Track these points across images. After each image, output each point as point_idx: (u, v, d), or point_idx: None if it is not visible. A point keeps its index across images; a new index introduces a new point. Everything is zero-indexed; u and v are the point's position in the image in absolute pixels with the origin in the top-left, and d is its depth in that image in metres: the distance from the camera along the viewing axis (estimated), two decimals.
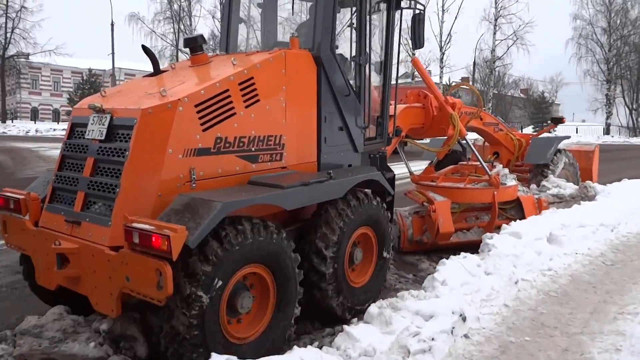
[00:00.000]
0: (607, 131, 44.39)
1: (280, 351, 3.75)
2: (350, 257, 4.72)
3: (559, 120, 10.96)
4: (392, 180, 5.73)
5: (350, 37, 5.20)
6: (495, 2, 45.25)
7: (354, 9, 5.27)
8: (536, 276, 5.49)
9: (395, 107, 6.14)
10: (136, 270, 3.31)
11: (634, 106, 47.75)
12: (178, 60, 34.60)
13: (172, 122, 3.69)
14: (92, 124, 3.94)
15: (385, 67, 5.81)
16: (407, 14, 5.92)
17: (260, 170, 4.35)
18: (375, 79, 5.71)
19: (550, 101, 50.47)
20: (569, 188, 8.59)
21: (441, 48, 44.48)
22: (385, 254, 5.08)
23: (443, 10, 44.50)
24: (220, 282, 3.43)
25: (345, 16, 5.39)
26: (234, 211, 3.54)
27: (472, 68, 46.92)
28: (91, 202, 3.84)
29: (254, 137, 4.27)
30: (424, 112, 7.47)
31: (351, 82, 5.17)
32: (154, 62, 4.68)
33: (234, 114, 4.08)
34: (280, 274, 3.90)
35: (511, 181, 7.38)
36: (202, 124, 3.87)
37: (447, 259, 5.23)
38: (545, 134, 10.06)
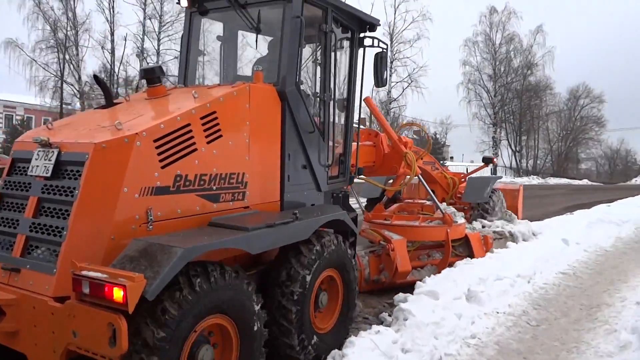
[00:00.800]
0: (494, 171, 46.65)
1: None
2: (316, 301, 4.46)
3: (490, 160, 11.20)
4: (354, 220, 5.55)
5: (315, 74, 5.06)
6: (391, 46, 46.71)
7: (318, 44, 5.15)
8: (460, 347, 4.79)
9: (357, 146, 6.01)
10: (85, 324, 2.93)
11: (517, 148, 50.64)
12: (63, 91, 33.34)
13: (129, 158, 3.38)
14: (36, 159, 3.57)
15: (347, 105, 5.69)
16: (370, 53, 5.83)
17: (221, 210, 4.06)
18: (337, 117, 5.56)
19: (442, 142, 52.80)
20: (510, 225, 8.69)
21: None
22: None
23: None
24: (181, 336, 3.09)
25: (307, 52, 5.25)
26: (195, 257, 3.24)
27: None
28: (33, 246, 3.43)
29: (215, 174, 3.99)
30: (375, 150, 7.40)
31: (315, 119, 5.01)
32: (107, 93, 4.37)
33: (195, 149, 3.81)
34: (242, 323, 3.58)
35: (460, 219, 7.36)
36: (160, 161, 3.57)
37: (356, 336, 4.55)
38: (478, 174, 10.19)
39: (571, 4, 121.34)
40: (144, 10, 35.97)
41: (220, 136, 4.01)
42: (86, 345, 2.95)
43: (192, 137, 3.78)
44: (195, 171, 3.82)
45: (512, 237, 8.34)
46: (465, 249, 7.32)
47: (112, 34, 35.53)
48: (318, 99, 5.08)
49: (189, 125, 3.76)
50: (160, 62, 36.33)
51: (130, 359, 2.92)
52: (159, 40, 36.84)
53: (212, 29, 5.61)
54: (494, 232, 8.14)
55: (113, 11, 34.98)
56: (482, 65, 47.14)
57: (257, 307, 3.68)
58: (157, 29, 36.39)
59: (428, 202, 7.85)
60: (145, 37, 36.33)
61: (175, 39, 35.79)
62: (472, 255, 7.21)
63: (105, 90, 4.37)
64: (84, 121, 4.01)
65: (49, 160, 3.49)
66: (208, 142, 3.91)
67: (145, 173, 3.48)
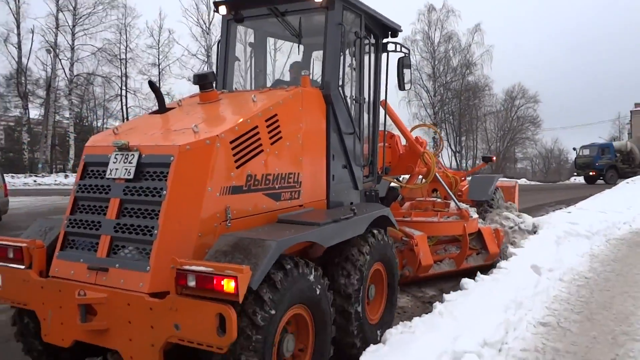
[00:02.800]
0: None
1: None
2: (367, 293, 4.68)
3: (489, 159, 11.69)
4: None
5: (351, 78, 5.30)
6: None
7: (351, 50, 5.38)
8: None
9: (384, 146, 6.27)
10: (190, 316, 3.08)
11: (457, 148, 51.06)
12: None
13: (211, 158, 3.55)
14: (114, 162, 3.68)
15: (374, 108, 5.94)
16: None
17: (282, 208, 4.25)
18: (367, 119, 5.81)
19: None
20: (525, 219, 9.09)
21: None
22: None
23: (274, 50, 45.85)
24: (275, 324, 3.27)
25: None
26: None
27: None
28: (119, 246, 3.55)
29: (277, 174, 4.18)
30: (391, 151, 7.68)
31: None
32: (160, 98, 4.50)
33: (262, 151, 3.99)
34: (318, 314, 3.78)
35: (474, 214, 7.71)
36: (235, 161, 3.75)
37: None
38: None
39: (508, 2, 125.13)
40: (57, 1, 34.88)
41: (281, 138, 4.20)
42: (191, 336, 3.09)
43: (259, 139, 3.96)
44: (262, 171, 4.01)
45: (522, 231, 8.71)
46: (477, 242, 7.65)
47: (18, 27, 34.25)
48: (354, 101, 5.31)
49: (256, 127, 3.94)
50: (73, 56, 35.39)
51: (246, 336, 3.08)
52: (73, 34, 36.06)
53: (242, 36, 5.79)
54: (509, 227, 8.50)
55: (19, 1, 33.91)
56: (422, 64, 47.13)
57: (330, 297, 3.88)
58: (71, 23, 35.52)
59: (438, 200, 8.16)
60: (57, 31, 35.36)
61: (91, 34, 35.65)
62: (485, 248, 7.54)
63: (159, 95, 4.49)
64: (148, 126, 4.14)
65: (130, 162, 3.61)
66: (272, 144, 4.10)
67: (223, 173, 3.66)
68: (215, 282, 2.97)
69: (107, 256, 3.54)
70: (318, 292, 3.73)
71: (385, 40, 6.02)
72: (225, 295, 2.96)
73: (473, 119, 52.21)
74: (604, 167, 36.32)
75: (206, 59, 42.64)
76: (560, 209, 14.35)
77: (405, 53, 6.01)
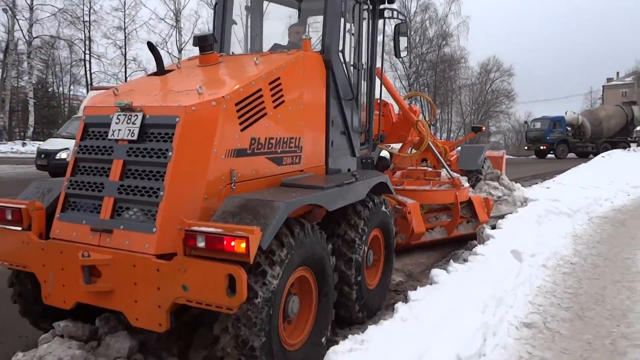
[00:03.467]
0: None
1: (322, 357, 3.64)
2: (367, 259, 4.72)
3: (479, 129, 11.79)
4: None
5: (349, 44, 5.24)
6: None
7: (350, 15, 5.31)
8: None
9: (380, 113, 6.25)
10: (198, 277, 3.07)
11: (432, 121, 51.12)
12: None
13: (217, 120, 3.51)
14: (117, 123, 3.61)
15: (370, 75, 5.90)
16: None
17: (284, 173, 4.24)
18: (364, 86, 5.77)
19: None
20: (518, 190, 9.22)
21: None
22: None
23: (247, 15, 44.81)
24: (282, 285, 3.29)
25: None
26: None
27: None
28: (123, 208, 3.50)
29: (280, 138, 4.16)
30: (384, 119, 7.67)
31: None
32: (159, 60, 4.40)
33: (265, 114, 3.95)
34: (322, 276, 3.80)
35: (465, 183, 7.79)
36: (240, 124, 3.71)
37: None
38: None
39: None
40: None
41: (283, 102, 4.16)
42: (199, 297, 3.09)
43: (262, 102, 3.92)
44: (265, 135, 3.97)
45: (513, 201, 8.82)
46: (468, 211, 7.74)
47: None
48: (352, 67, 5.26)
49: (260, 90, 3.89)
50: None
51: (255, 296, 3.08)
52: None
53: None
54: (498, 196, 8.61)
55: None
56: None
57: (333, 261, 3.90)
58: None
59: (429, 169, 8.21)
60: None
61: None
62: (475, 217, 7.64)
63: (158, 57, 4.39)
64: (149, 87, 4.06)
65: (133, 123, 3.54)
66: (275, 107, 4.06)
67: (229, 135, 3.62)
68: (225, 242, 2.96)
69: (111, 218, 3.49)
70: (322, 255, 3.75)
71: (382, 6, 5.95)
72: (235, 255, 2.95)
73: (448, 91, 51.89)
74: (555, 141, 35.39)
75: (175, 23, 41.59)
76: (537, 183, 14.10)
77: (401, 20, 5.96)
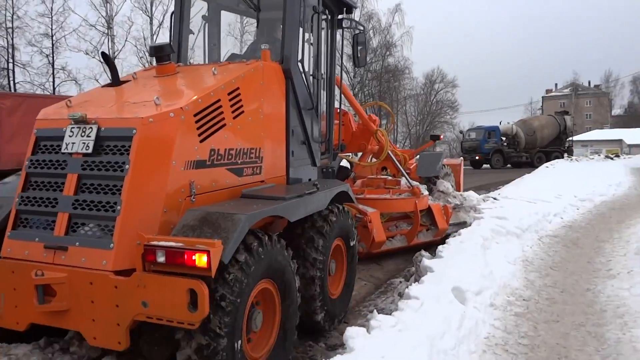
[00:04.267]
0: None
1: None
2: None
3: (437, 137, 12.04)
4: None
5: (308, 53, 5.25)
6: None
7: (308, 25, 5.33)
8: None
9: (340, 123, 6.28)
10: (158, 293, 3.00)
11: (391, 130, 51.81)
12: None
13: (176, 131, 3.44)
14: (70, 135, 3.50)
15: (329, 84, 5.92)
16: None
17: (244, 184, 4.19)
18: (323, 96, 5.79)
19: None
20: (469, 198, 9.37)
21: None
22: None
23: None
24: (245, 298, 3.24)
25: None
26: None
27: None
28: (78, 224, 3.39)
29: (239, 149, 4.11)
30: (344, 128, 7.71)
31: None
32: (114, 71, 4.31)
33: (224, 125, 3.91)
34: (284, 288, 3.77)
35: (424, 191, 7.90)
36: (199, 135, 3.66)
37: None
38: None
39: None
40: None
41: (243, 112, 4.12)
42: (160, 313, 3.01)
43: (222, 113, 3.87)
44: (225, 146, 3.93)
45: (465, 209, 8.96)
46: (427, 218, 7.84)
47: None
48: (312, 77, 5.27)
49: (219, 100, 3.85)
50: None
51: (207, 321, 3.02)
52: None
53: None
54: (454, 203, 8.74)
55: None
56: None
57: (295, 269, 3.88)
58: None
59: (389, 177, 8.29)
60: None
61: None
62: (435, 225, 7.74)
63: (113, 68, 4.30)
64: (103, 98, 3.96)
65: (88, 136, 3.45)
66: (234, 118, 4.02)
67: (188, 147, 3.56)
68: (186, 257, 2.91)
69: (65, 234, 3.38)
70: (285, 266, 3.72)
71: (340, 17, 6.00)
72: (196, 270, 2.90)
73: (393, 101, 51.22)
74: (490, 151, 34.73)
75: (107, 31, 39.30)
76: (482, 194, 12.72)
77: (360, 30, 6.01)
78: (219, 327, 3.05)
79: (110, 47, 39.53)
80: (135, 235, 3.11)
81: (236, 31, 5.83)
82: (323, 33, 5.68)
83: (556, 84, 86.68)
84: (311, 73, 5.27)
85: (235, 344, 3.16)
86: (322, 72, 5.47)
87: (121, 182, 3.30)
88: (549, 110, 53.83)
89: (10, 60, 37.51)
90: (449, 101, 58.81)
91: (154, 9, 40.05)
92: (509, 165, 35.51)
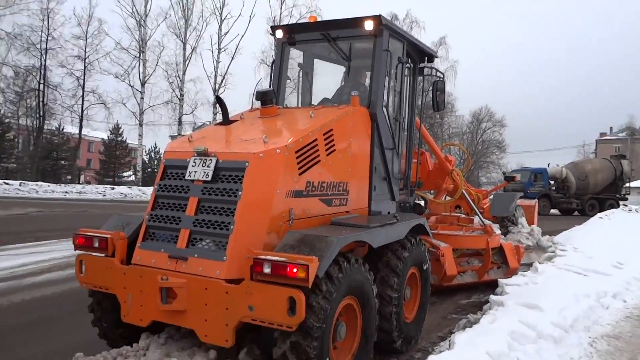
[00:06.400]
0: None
1: None
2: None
3: (512, 179, 12.15)
4: None
5: (393, 99, 5.82)
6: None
7: (393, 73, 5.91)
8: None
9: (418, 162, 6.78)
10: (263, 299, 3.57)
11: (467, 171, 49.37)
12: None
13: (281, 165, 4.08)
14: (193, 166, 4.22)
15: (410, 126, 6.46)
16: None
17: (333, 213, 4.76)
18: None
19: None
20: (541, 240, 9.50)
21: (215, 91, 42.08)
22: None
23: (219, 49, 42.36)
24: (333, 309, 3.76)
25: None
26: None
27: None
28: (197, 239, 4.07)
29: (330, 182, 4.70)
30: (421, 167, 8.18)
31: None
32: (225, 111, 5.04)
33: (319, 161, 4.51)
34: (365, 304, 4.25)
35: (497, 230, 8.18)
36: (299, 169, 4.27)
37: None
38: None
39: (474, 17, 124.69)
40: None
41: (334, 150, 4.72)
42: (263, 316, 3.58)
43: (317, 150, 4.49)
44: (319, 179, 4.53)
45: (541, 249, 9.13)
46: (499, 257, 8.09)
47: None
48: (394, 119, 5.83)
49: (316, 140, 4.47)
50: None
51: (312, 317, 3.56)
52: None
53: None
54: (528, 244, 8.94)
55: None
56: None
57: (375, 290, 4.36)
58: None
59: (462, 215, 8.64)
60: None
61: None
62: (506, 263, 7.98)
63: (224, 109, 5.04)
64: (218, 135, 4.69)
65: (208, 166, 4.15)
66: (327, 155, 4.62)
67: (289, 178, 4.18)
68: (288, 269, 3.47)
69: (186, 247, 4.05)
70: (367, 286, 4.21)
71: (421, 65, 6.56)
72: (296, 280, 3.45)
73: (437, 138, 49.34)
74: (536, 195, 29.88)
75: (138, 55, 39.83)
76: None
77: (439, 77, 6.53)
78: (312, 331, 3.58)
79: (141, 71, 40.60)
80: (244, 250, 3.73)
81: (327, 77, 6.48)
82: (406, 80, 6.26)
83: (611, 127, 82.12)
84: (394, 116, 5.84)
85: (324, 347, 3.67)
86: (404, 115, 6.03)
87: (235, 206, 3.95)
88: (603, 155, 48.29)
89: (42, 81, 38.75)
90: (496, 141, 57.35)
91: (187, 34, 41.44)
92: (556, 211, 32.72)
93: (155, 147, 61.41)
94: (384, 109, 5.48)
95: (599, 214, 20.64)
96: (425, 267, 5.50)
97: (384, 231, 4.64)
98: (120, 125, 51.10)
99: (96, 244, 4.42)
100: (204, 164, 4.19)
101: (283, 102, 6.10)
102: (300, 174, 4.29)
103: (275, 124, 4.86)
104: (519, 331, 4.90)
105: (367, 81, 5.88)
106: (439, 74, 6.55)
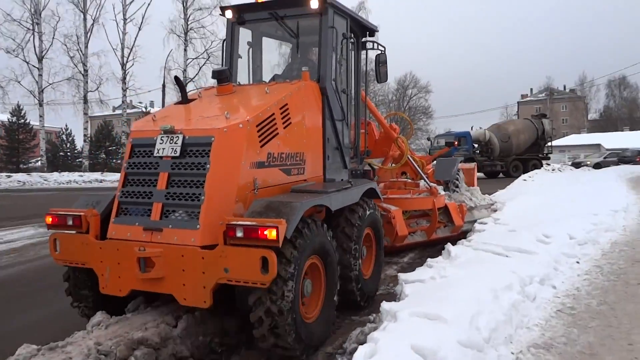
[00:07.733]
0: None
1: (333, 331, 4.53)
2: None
3: (452, 144, 12.91)
4: None
5: (340, 73, 6.21)
6: (185, 13, 39.72)
7: (339, 48, 6.28)
8: None
9: (366, 131, 7.23)
10: (237, 260, 3.93)
11: (411, 137, 50.53)
12: None
13: (244, 138, 4.41)
14: (161, 143, 4.48)
15: (356, 98, 6.88)
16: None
17: (292, 181, 5.14)
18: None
19: None
20: (483, 199, 10.25)
21: (123, 65, 39.90)
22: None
23: (124, 19, 39.41)
24: (300, 267, 4.17)
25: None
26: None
27: (162, 91, 38.00)
28: (170, 211, 4.36)
29: (288, 153, 5.07)
30: (368, 137, 8.66)
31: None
32: (184, 90, 5.28)
33: (278, 133, 4.86)
34: (327, 262, 4.68)
35: (441, 191, 8.81)
36: (260, 141, 4.61)
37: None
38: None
39: None
40: None
41: (290, 123, 5.08)
42: (238, 276, 3.95)
43: (275, 124, 4.84)
44: (278, 150, 4.89)
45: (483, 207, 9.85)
46: (445, 216, 8.73)
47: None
48: (342, 92, 6.23)
49: (274, 114, 4.82)
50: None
51: (283, 273, 3.94)
52: None
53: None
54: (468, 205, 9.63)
55: None
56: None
57: (335, 250, 4.81)
58: None
59: (409, 180, 9.21)
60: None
61: None
62: (451, 221, 8.64)
63: (183, 89, 5.28)
64: (180, 114, 4.95)
65: (175, 143, 4.42)
66: (284, 128, 4.97)
67: (252, 151, 4.52)
68: (259, 232, 3.84)
69: (160, 219, 4.34)
70: (328, 246, 4.64)
71: (364, 39, 6.96)
72: (268, 242, 3.83)
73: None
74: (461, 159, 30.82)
75: (32, 27, 37.03)
76: None
77: (381, 50, 6.96)
78: (282, 289, 3.97)
79: (37, 45, 37.62)
80: (215, 218, 4.07)
81: (276, 54, 6.79)
82: (351, 54, 6.66)
83: (531, 89, 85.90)
84: (342, 89, 6.23)
85: (294, 300, 4.07)
86: (350, 88, 6.43)
87: (204, 178, 4.26)
88: (525, 116, 47.94)
89: None
90: (422, 107, 57.59)
91: (87, 3, 38.41)
92: (481, 175, 30.65)
93: (67, 129, 58.29)
94: (333, 83, 5.86)
95: (523, 176, 20.29)
96: (379, 227, 5.98)
97: (340, 195, 5.07)
98: (21, 106, 47.85)
99: (70, 222, 4.64)
100: (171, 141, 4.46)
101: (236, 80, 6.37)
102: (261, 146, 4.64)
103: (233, 101, 5.15)
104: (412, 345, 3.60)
105: (315, 57, 6.23)
106: (380, 47, 6.97)
